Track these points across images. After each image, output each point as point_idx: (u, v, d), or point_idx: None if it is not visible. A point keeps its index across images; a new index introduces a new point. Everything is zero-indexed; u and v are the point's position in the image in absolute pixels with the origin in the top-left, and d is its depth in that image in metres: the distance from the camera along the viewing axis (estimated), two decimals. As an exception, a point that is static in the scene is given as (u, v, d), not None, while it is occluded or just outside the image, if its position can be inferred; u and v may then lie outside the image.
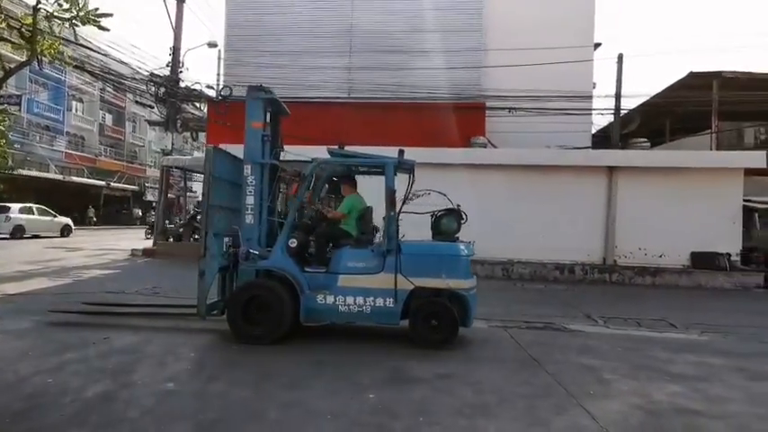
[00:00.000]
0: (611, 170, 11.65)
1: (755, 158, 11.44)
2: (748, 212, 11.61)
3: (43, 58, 10.10)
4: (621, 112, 15.98)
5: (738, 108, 14.06)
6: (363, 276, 4.76)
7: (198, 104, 17.15)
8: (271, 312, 4.63)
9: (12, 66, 12.34)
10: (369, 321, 4.89)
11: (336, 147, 5.32)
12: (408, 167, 5.08)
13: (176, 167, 16.19)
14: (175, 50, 14.87)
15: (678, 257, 11.20)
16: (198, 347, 4.58)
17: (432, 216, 5.27)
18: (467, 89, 14.70)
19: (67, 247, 14.92)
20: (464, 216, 5.11)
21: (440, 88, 14.36)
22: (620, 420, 3.20)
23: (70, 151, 31.31)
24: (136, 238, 17.99)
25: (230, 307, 4.75)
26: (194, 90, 15.30)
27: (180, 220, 15.78)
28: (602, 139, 17.88)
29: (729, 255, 10.99)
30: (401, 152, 5.05)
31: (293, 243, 4.82)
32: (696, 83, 14.27)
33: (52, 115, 30.50)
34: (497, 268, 11.25)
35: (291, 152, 5.53)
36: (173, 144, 15.45)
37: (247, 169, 4.88)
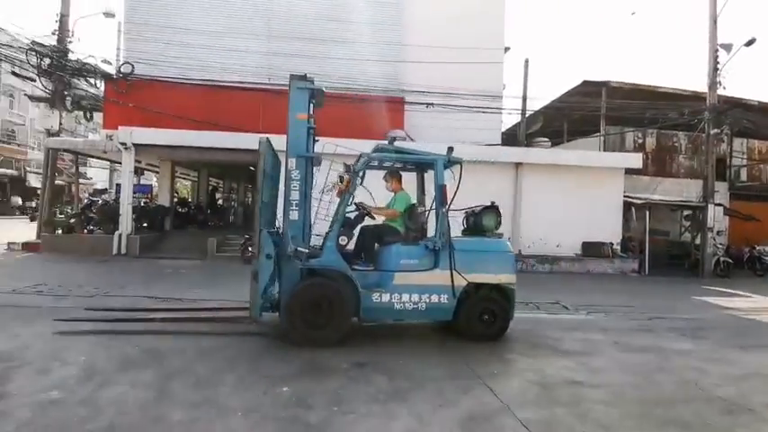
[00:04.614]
0: (518, 166, 12.64)
1: (634, 160, 13.31)
2: (627, 206, 13.28)
3: None
4: (527, 113, 17.31)
5: (622, 114, 15.93)
6: (418, 273, 4.69)
7: (93, 81, 15.31)
8: (336, 313, 4.45)
9: None
10: (423, 318, 4.88)
11: (387, 142, 5.15)
12: (456, 164, 5.02)
13: (66, 150, 14.39)
14: (63, 17, 13.11)
15: (572, 247, 12.50)
16: (85, 350, 4.13)
17: (465, 213, 5.32)
18: (387, 82, 14.88)
19: None
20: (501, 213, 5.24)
21: (359, 80, 14.38)
22: (519, 395, 3.51)
23: (-75, 127, 26.37)
24: (14, 230, 15.70)
25: (293, 309, 4.41)
26: (87, 64, 13.65)
27: (71, 209, 14.09)
28: (510, 137, 19.20)
29: (612, 244, 12.54)
30: (450, 149, 5.03)
31: (344, 241, 4.70)
32: (588, 90, 15.88)
33: None
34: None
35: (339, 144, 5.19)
36: (60, 124, 13.57)
37: (292, 163, 4.57)
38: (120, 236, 11.54)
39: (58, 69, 12.98)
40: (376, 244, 5.03)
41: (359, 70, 14.58)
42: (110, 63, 15.17)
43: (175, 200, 18.38)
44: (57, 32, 12.99)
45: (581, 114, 16.88)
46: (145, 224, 13.51)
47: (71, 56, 13.32)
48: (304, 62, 14.05)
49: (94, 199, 14.97)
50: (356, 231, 5.13)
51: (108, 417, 2.83)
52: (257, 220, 4.48)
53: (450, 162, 5.00)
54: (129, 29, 14.38)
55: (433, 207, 4.91)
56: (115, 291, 6.87)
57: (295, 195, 4.58)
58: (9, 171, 30.94)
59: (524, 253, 12.35)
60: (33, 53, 12.56)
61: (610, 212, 12.74)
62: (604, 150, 15.34)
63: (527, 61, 16.97)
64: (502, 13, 16.55)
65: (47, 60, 12.78)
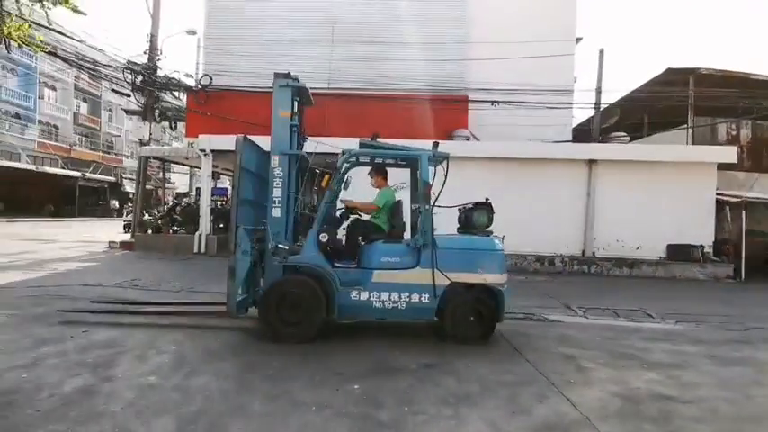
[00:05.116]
0: (591, 163, 11.89)
1: (727, 154, 11.95)
2: (720, 206, 11.98)
3: (11, 42, 9.61)
4: (601, 106, 16.24)
5: (713, 104, 14.43)
6: (398, 272, 4.64)
7: (176, 93, 16.71)
8: (307, 310, 4.47)
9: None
10: (403, 317, 4.78)
11: (369, 138, 5.17)
12: (442, 160, 4.87)
13: (155, 158, 15.81)
14: (153, 37, 14.44)
15: (654, 249, 11.51)
16: (177, 341, 4.50)
17: (459, 210, 5.19)
18: (450, 81, 14.70)
19: (41, 240, 14.47)
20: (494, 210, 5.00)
21: (423, 80, 14.32)
22: (600, 407, 3.29)
23: (43, 140, 30.30)
24: (113, 231, 17.55)
25: (265, 305, 4.49)
26: (173, 79, 14.92)
27: (159, 211, 15.46)
28: (582, 133, 18.12)
29: (703, 247, 11.36)
30: (435, 144, 4.92)
31: (324, 238, 4.66)
32: (673, 79, 14.56)
33: (23, 103, 29.44)
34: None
35: (324, 142, 5.16)
36: (150, 134, 15.01)
37: (275, 161, 4.67)
38: (200, 236, 12.44)
39: (148, 85, 14.30)
40: (361, 241, 5.00)
41: (422, 70, 14.53)
42: (191, 76, 16.46)
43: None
44: (147, 52, 14.33)
45: (664, 105, 15.54)
46: (221, 225, 14.45)
47: (159, 72, 14.63)
48: (365, 65, 14.29)
49: (178, 202, 16.26)
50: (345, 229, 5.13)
51: (197, 403, 3.06)
52: (233, 217, 4.49)
53: (435, 157, 4.80)
54: (208, 44, 15.49)
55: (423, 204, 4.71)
56: (197, 286, 7.41)
57: (277, 193, 4.64)
58: (108, 178, 34.61)
59: (599, 255, 11.61)
60: (128, 71, 13.94)
61: (700, 212, 11.55)
62: (692, 144, 13.99)
63: (602, 51, 15.90)
64: (573, 1, 15.71)
65: (139, 77, 14.14)
